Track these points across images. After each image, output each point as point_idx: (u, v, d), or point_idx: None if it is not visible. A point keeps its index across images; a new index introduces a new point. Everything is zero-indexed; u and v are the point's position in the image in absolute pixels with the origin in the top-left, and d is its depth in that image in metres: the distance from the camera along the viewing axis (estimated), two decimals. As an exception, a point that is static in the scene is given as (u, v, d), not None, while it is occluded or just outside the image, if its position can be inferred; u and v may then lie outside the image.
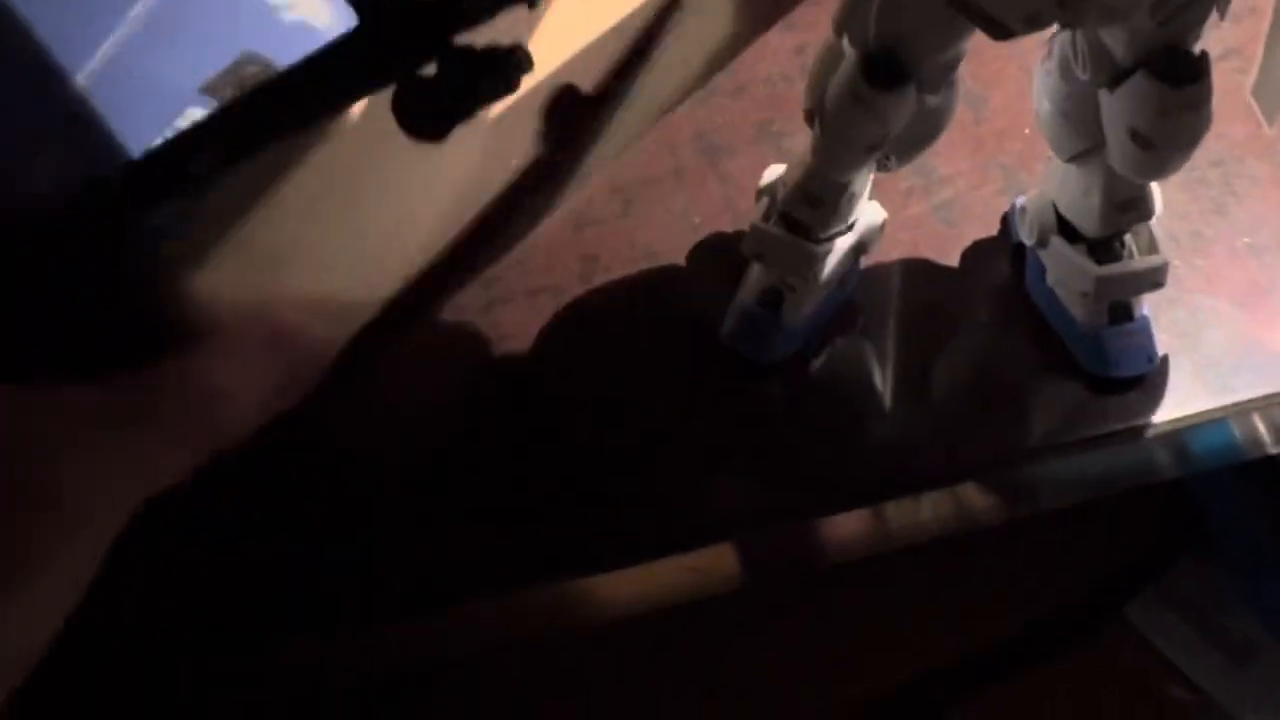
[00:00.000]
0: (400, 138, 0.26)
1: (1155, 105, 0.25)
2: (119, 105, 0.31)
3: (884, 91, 0.25)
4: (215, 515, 0.34)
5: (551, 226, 0.41)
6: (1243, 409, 0.37)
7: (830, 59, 0.27)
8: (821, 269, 0.33)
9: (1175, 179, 0.37)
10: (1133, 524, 0.74)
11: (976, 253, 0.39)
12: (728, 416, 0.37)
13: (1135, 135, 0.26)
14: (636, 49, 0.40)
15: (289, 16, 0.33)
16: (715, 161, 0.42)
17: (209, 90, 0.32)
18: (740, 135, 0.42)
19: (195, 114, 0.31)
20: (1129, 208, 0.31)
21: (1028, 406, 0.37)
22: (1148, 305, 0.35)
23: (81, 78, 0.31)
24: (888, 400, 0.37)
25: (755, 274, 0.35)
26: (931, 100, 0.28)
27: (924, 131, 0.29)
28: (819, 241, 0.32)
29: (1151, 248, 0.33)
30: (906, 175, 0.40)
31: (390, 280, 0.37)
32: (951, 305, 0.38)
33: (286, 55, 0.32)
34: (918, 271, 0.39)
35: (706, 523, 0.36)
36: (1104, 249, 0.33)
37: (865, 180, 0.33)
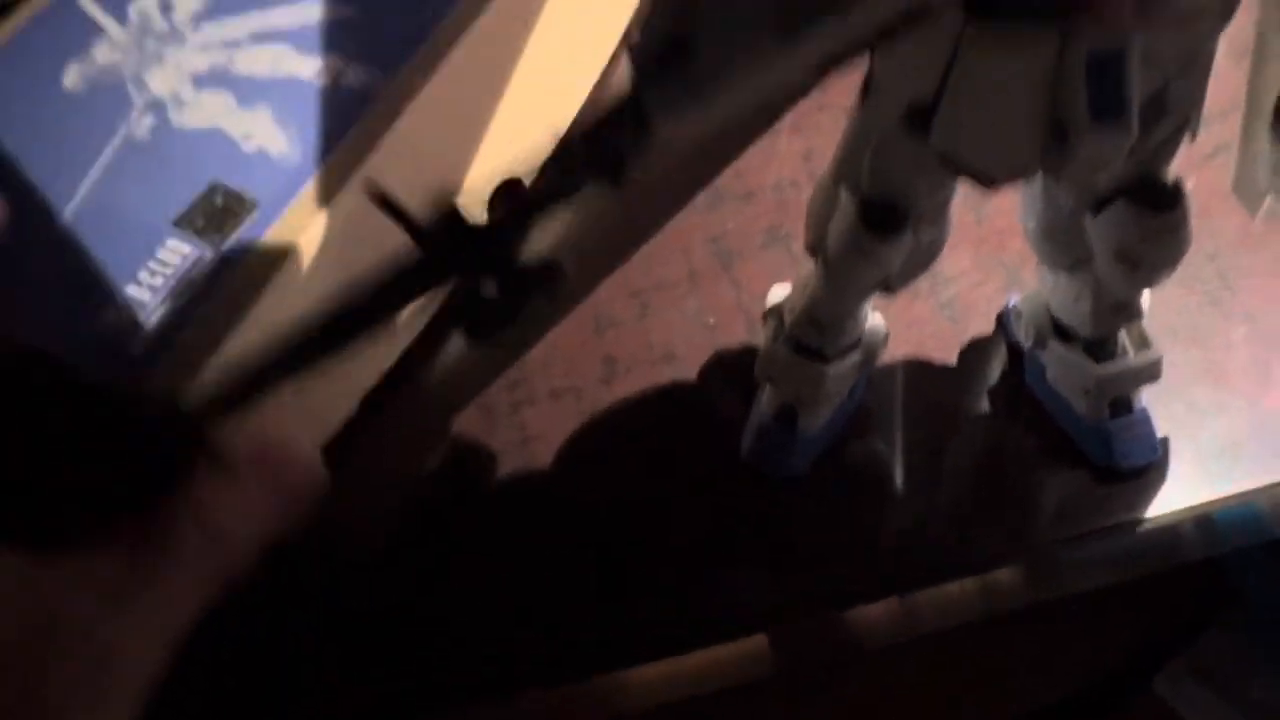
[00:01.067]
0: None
1: (1137, 230, 0.27)
2: (101, 241, 0.33)
3: (883, 238, 0.27)
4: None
5: (571, 328, 0.43)
6: (1254, 496, 0.38)
7: (827, 197, 0.29)
8: (831, 387, 0.35)
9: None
10: (1161, 596, 0.74)
11: (979, 349, 0.40)
12: (751, 516, 0.38)
13: (1120, 256, 0.28)
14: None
15: (249, 146, 0.36)
16: (728, 265, 0.44)
17: (181, 222, 0.34)
18: (750, 240, 0.44)
19: (173, 246, 0.33)
20: (1120, 310, 0.33)
21: (1038, 499, 0.38)
22: (1146, 396, 0.37)
23: (67, 215, 0.34)
24: (904, 496, 0.38)
25: (769, 393, 0.37)
26: (928, 234, 0.29)
27: (921, 260, 0.31)
28: (827, 361, 0.34)
29: (1144, 343, 0.35)
30: (911, 275, 0.42)
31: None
32: (958, 402, 0.40)
33: (250, 182, 0.34)
34: (924, 370, 0.40)
35: (736, 616, 0.37)
36: (1100, 348, 0.34)
37: (869, 301, 0.34)
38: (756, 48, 0.19)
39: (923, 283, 0.42)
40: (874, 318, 0.37)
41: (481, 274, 0.19)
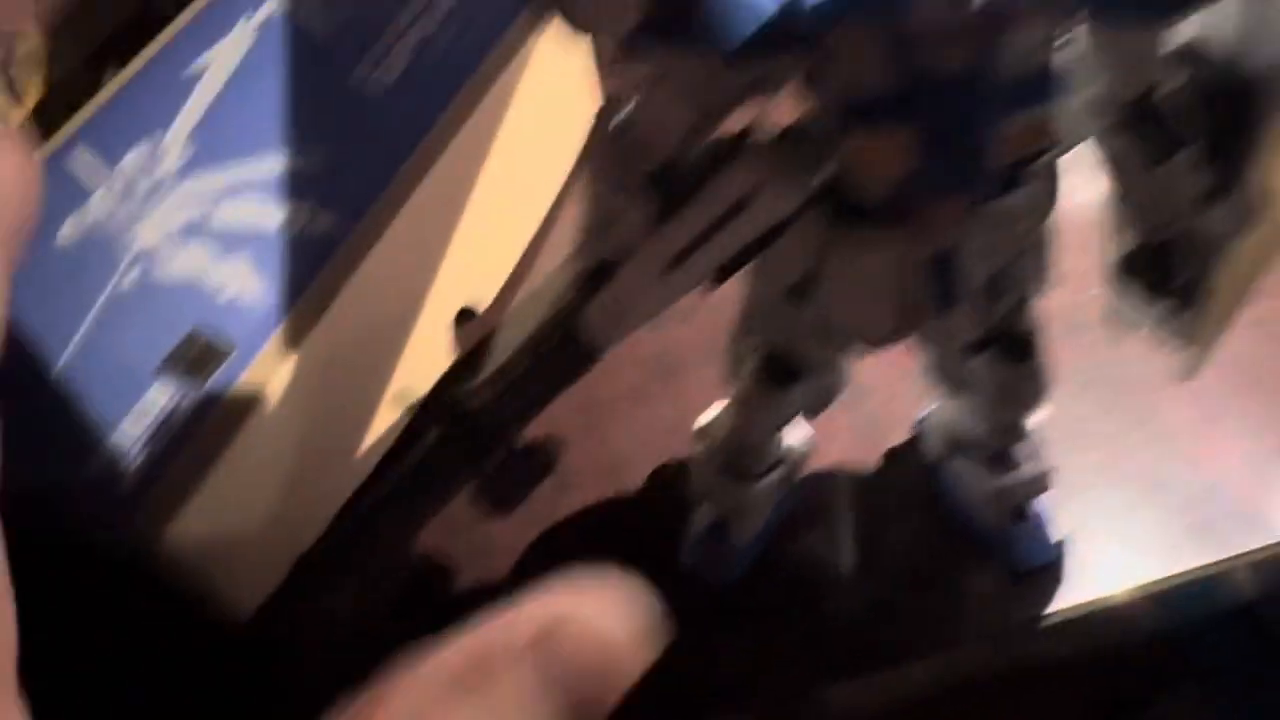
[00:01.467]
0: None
1: (1001, 376, 0.31)
2: (88, 390, 0.37)
3: (780, 388, 0.31)
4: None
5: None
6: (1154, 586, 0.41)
7: (735, 344, 0.33)
8: (757, 503, 0.38)
9: (1067, 383, 0.43)
10: (1109, 673, 0.77)
11: (898, 458, 0.44)
12: (694, 618, 0.41)
13: (992, 394, 0.32)
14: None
15: (225, 295, 0.39)
16: (670, 380, 0.47)
17: (162, 369, 0.37)
18: (693, 356, 0.48)
19: (154, 392, 0.37)
20: (1009, 430, 0.37)
21: (958, 596, 0.42)
22: (1046, 498, 0.40)
23: (59, 368, 0.37)
24: (834, 595, 0.42)
25: (704, 507, 0.40)
26: (829, 377, 0.33)
27: (827, 397, 0.35)
28: (752, 480, 0.38)
29: (1035, 456, 0.38)
30: (838, 388, 0.46)
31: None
32: (881, 507, 0.43)
33: (226, 329, 0.38)
34: (847, 478, 0.44)
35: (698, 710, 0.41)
36: (997, 461, 0.38)
37: (777, 429, 0.38)
38: (660, 273, 0.23)
39: (846, 393, 0.46)
40: (798, 433, 0.40)
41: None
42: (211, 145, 0.40)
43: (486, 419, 0.23)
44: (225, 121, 0.40)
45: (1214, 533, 0.42)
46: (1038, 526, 0.40)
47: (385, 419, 0.43)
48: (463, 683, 0.13)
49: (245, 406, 0.38)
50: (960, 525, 0.42)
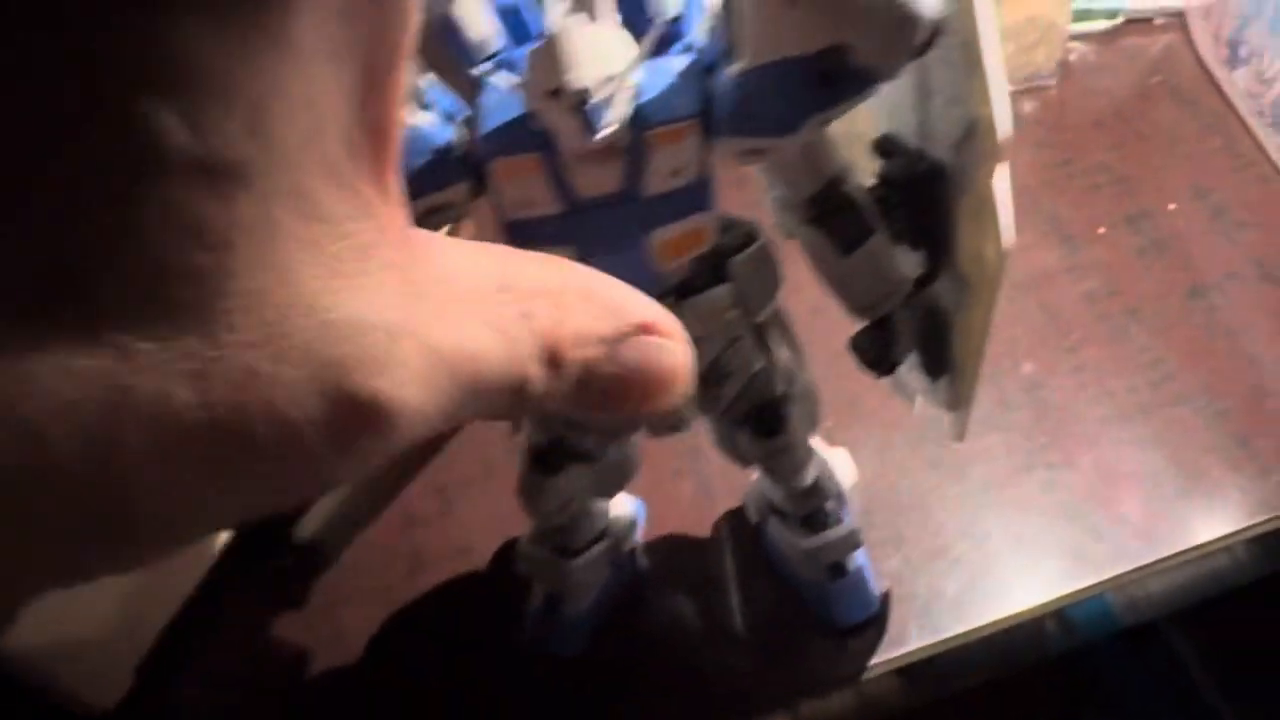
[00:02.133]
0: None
1: (760, 452, 0.33)
2: None
3: (550, 476, 0.33)
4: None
5: (383, 527, 0.48)
6: (981, 631, 0.44)
7: (511, 438, 0.35)
8: (581, 577, 0.40)
9: (893, 449, 0.46)
10: (1037, 690, 0.79)
11: (731, 522, 0.46)
12: (543, 691, 0.43)
13: (759, 465, 0.34)
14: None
15: None
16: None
17: None
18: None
19: None
20: (809, 494, 0.39)
21: (790, 654, 0.43)
22: (863, 555, 0.42)
23: None
24: (675, 658, 0.43)
25: (537, 584, 0.42)
26: (616, 454, 0.35)
27: (616, 479, 0.37)
28: (572, 556, 0.39)
29: (841, 518, 0.40)
30: (674, 457, 0.48)
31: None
32: (715, 570, 0.45)
33: None
34: (684, 542, 0.46)
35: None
36: (808, 523, 0.40)
37: (604, 502, 0.40)
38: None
39: (685, 464, 0.48)
40: (622, 505, 0.42)
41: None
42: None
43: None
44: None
45: (1114, 554, 0.44)
46: (857, 584, 0.42)
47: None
48: None
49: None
50: (789, 585, 0.44)
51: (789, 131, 0.24)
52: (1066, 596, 0.44)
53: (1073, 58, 0.63)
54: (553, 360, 0.16)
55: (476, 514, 0.48)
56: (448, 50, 0.26)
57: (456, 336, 0.15)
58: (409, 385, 0.14)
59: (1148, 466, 0.46)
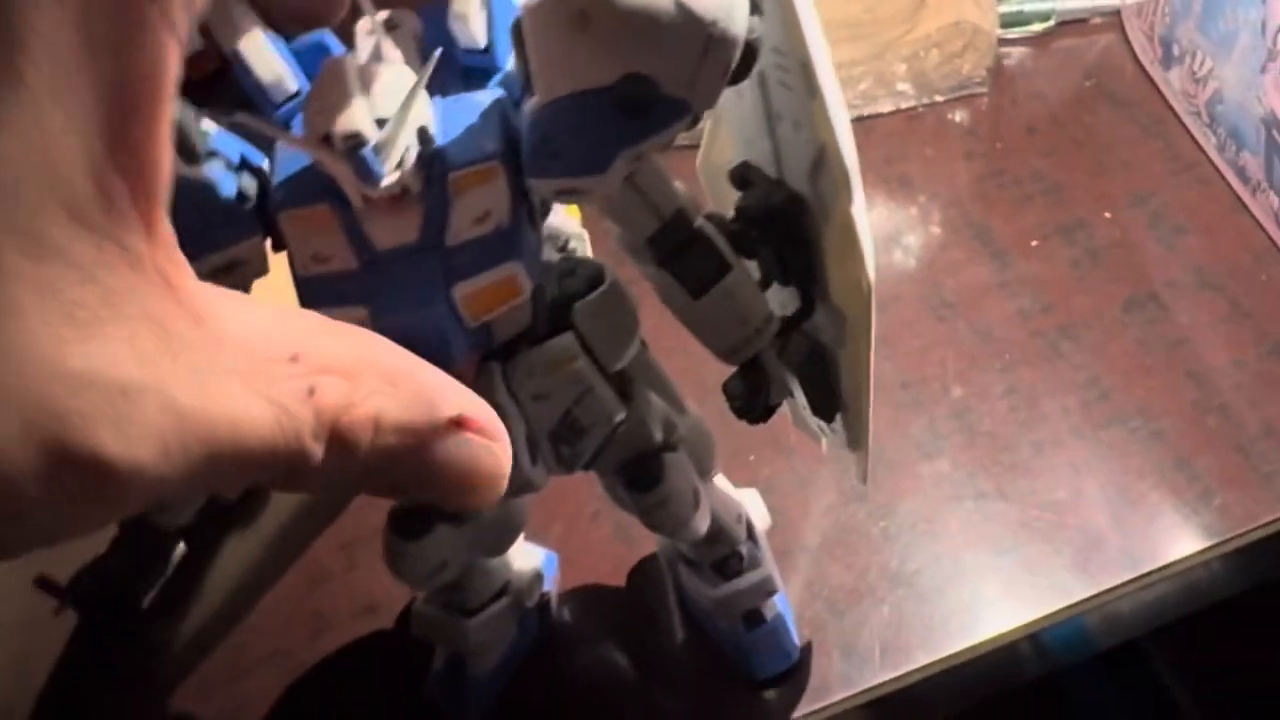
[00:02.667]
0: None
1: (636, 506, 0.31)
2: None
3: (413, 540, 0.31)
4: None
5: (286, 586, 0.46)
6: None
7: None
8: (481, 637, 0.38)
9: (816, 485, 0.43)
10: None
11: (648, 570, 0.43)
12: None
13: (641, 519, 0.32)
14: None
15: None
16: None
17: None
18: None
19: None
20: (716, 540, 0.36)
21: (718, 705, 0.41)
22: (783, 602, 0.40)
23: None
24: (593, 715, 0.41)
25: (439, 645, 0.39)
26: (490, 514, 0.33)
27: (497, 538, 0.34)
28: (469, 615, 0.37)
29: (754, 563, 0.38)
30: (591, 499, 0.45)
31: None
32: (631, 620, 0.43)
33: None
34: (600, 593, 0.43)
35: None
36: (719, 569, 0.38)
37: (493, 559, 0.37)
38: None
39: (603, 505, 0.46)
40: (527, 557, 0.40)
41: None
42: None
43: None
44: None
45: (1087, 573, 0.42)
46: (775, 632, 0.39)
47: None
48: None
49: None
50: (706, 635, 0.41)
51: (596, 170, 0.22)
52: (999, 636, 0.41)
53: (1008, 62, 0.61)
54: (339, 442, 0.16)
55: (381, 570, 0.45)
56: (242, 92, 0.24)
57: (216, 401, 0.14)
58: (141, 445, 0.13)
59: (1082, 494, 0.43)
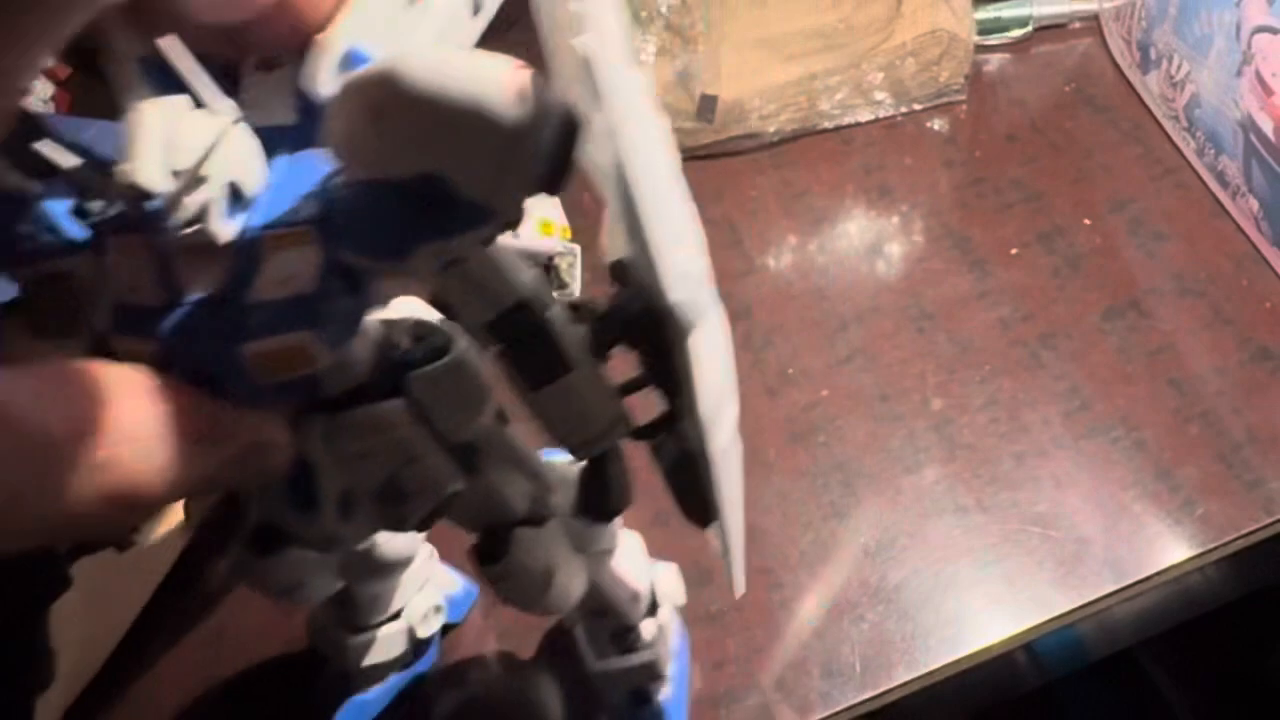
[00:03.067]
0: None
1: (488, 578, 0.29)
2: None
3: (266, 557, 0.29)
4: None
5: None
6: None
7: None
8: (364, 655, 0.37)
9: (794, 500, 0.43)
10: None
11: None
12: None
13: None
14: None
15: None
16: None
17: None
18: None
19: None
20: (601, 613, 0.35)
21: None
22: (678, 689, 0.39)
23: None
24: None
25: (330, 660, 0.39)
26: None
27: (367, 568, 0.34)
28: (357, 631, 0.37)
29: (647, 643, 0.36)
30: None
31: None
32: (540, 686, 0.42)
33: None
34: (518, 633, 0.43)
35: None
36: (615, 640, 0.36)
37: (387, 583, 0.37)
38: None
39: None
40: (429, 590, 0.39)
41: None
42: None
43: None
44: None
45: (1071, 585, 0.41)
46: (654, 715, 0.38)
47: None
48: None
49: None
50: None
51: (397, 256, 0.21)
52: (983, 651, 0.41)
53: (986, 69, 0.61)
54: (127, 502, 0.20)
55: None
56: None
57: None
58: None
59: (1065, 506, 0.43)
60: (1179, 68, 0.52)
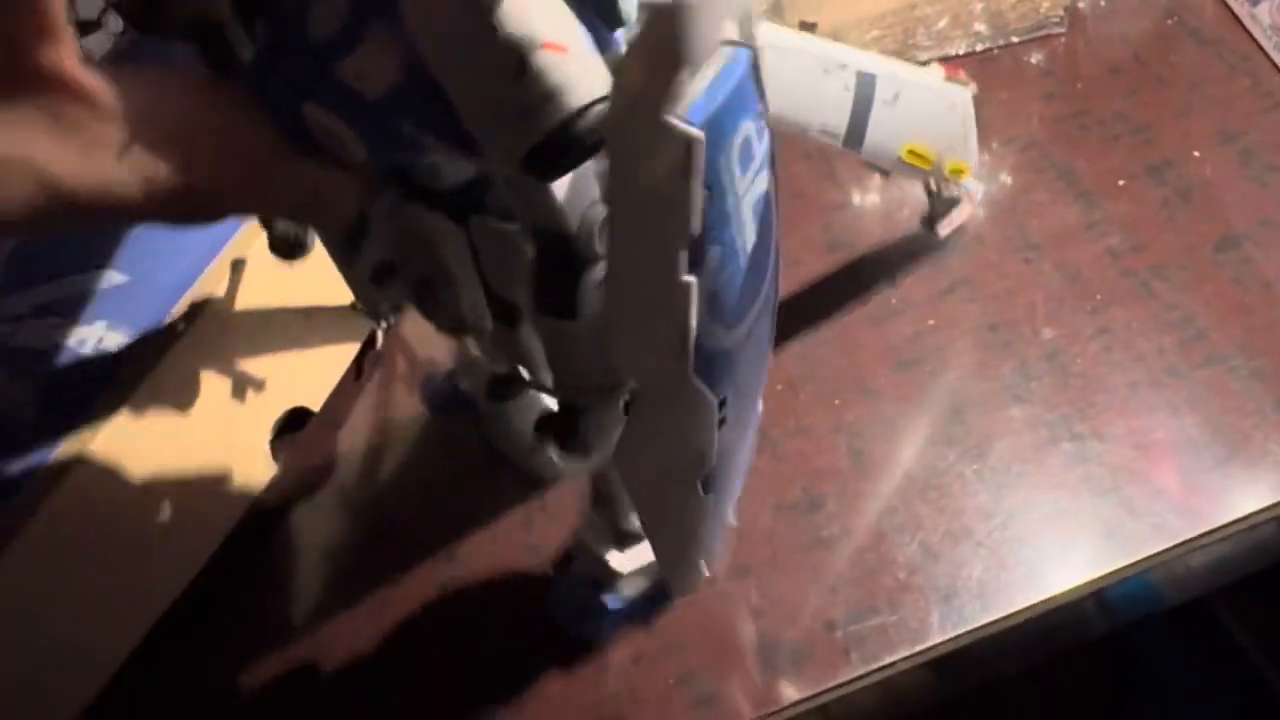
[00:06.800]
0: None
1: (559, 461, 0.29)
2: None
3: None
4: None
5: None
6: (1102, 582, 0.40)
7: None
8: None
9: (905, 428, 0.42)
10: (1079, 675, 0.76)
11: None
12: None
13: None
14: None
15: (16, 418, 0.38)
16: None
17: None
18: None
19: None
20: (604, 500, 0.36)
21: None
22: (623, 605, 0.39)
23: None
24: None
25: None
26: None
27: None
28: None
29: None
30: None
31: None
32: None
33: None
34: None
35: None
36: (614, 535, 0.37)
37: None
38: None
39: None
40: None
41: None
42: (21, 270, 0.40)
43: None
44: (33, 248, 0.40)
45: (1152, 530, 0.41)
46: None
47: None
48: None
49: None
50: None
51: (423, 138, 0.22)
52: (1103, 578, 0.40)
53: (1083, 4, 0.59)
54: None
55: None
56: None
57: (91, 172, 0.20)
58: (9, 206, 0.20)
59: (1182, 434, 0.42)
60: (1296, -5, 0.50)
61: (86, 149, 0.20)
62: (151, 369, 0.39)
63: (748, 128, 0.20)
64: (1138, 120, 0.53)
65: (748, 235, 0.21)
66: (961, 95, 0.42)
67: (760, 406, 0.30)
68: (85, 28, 0.56)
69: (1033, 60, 0.57)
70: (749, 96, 0.19)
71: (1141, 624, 0.67)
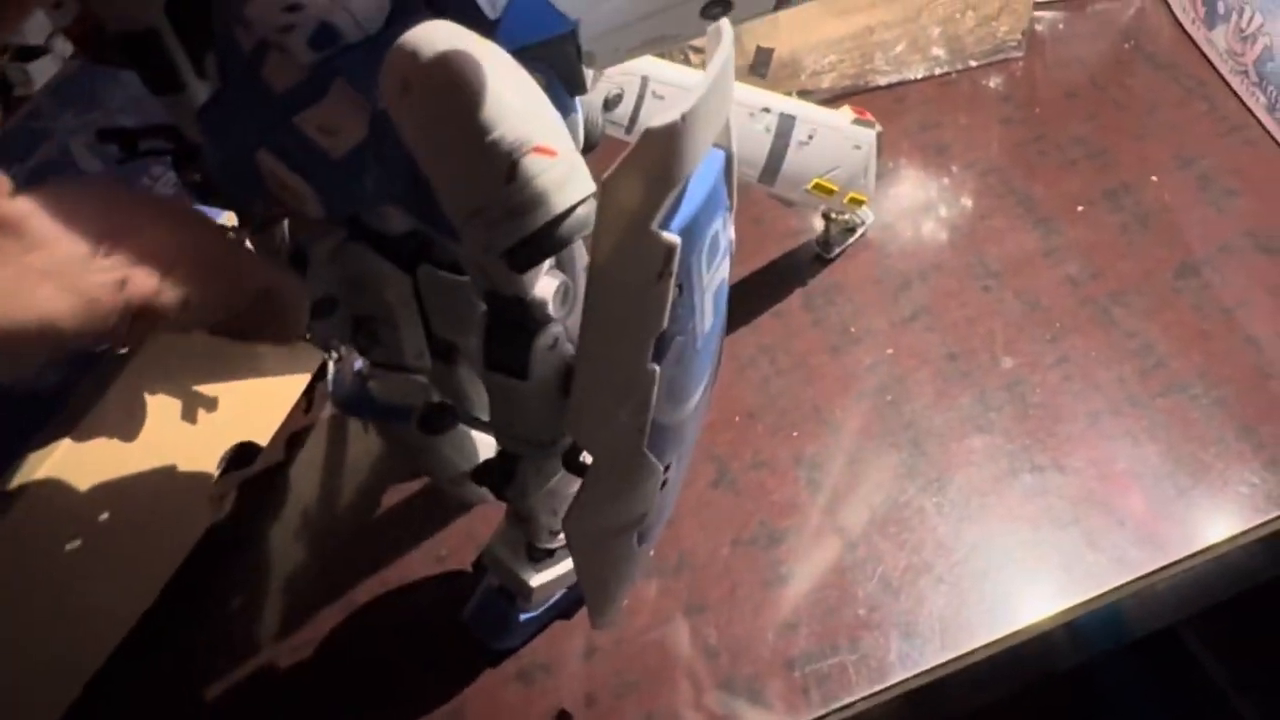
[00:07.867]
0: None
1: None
2: None
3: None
4: None
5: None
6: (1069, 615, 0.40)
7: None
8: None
9: (863, 459, 0.41)
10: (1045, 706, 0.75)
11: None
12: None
13: None
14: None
15: None
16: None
17: None
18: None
19: None
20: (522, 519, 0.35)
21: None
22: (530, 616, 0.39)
23: None
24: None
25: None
26: None
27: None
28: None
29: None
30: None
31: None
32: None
33: None
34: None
35: None
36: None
37: None
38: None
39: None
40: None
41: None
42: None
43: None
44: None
45: (1113, 563, 0.40)
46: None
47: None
48: None
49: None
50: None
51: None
52: (1065, 612, 0.39)
53: (1040, 28, 0.59)
54: (147, 319, 0.20)
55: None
56: None
57: (26, 306, 0.19)
58: None
59: (1144, 464, 0.42)
60: (1250, 20, 0.50)
61: (16, 280, 0.19)
62: (100, 396, 0.38)
63: (718, 224, 0.21)
64: (1095, 145, 0.53)
65: (707, 321, 0.22)
66: (866, 135, 0.46)
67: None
68: (33, 52, 0.55)
69: (991, 84, 0.57)
70: (721, 195, 0.21)
71: (1109, 653, 0.67)
